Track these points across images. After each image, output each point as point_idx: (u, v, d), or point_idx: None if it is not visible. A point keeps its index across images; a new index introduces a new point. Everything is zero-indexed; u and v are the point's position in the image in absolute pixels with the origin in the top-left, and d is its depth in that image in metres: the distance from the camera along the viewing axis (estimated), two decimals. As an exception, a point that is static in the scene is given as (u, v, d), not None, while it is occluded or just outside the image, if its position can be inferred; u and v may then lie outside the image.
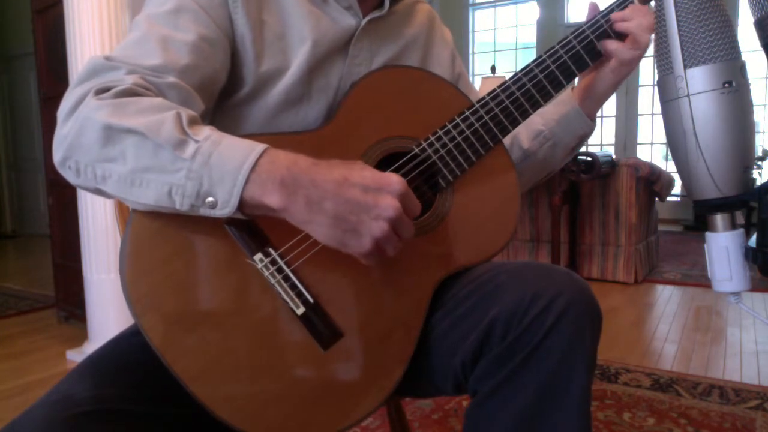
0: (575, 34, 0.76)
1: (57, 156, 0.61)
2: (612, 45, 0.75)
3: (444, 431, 1.57)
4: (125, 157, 0.58)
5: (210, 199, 0.57)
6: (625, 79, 0.79)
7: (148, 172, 0.57)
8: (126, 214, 0.95)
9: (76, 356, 2.23)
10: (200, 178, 0.57)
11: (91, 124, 0.58)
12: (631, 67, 0.77)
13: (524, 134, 0.86)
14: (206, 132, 0.59)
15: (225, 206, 0.57)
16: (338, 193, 0.57)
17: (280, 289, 0.64)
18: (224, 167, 0.57)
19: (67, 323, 2.72)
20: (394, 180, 0.58)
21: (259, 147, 0.58)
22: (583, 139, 0.86)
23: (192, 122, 0.60)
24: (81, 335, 2.38)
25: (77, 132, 0.59)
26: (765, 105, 5.29)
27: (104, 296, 2.15)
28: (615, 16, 0.75)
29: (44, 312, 2.95)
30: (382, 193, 0.57)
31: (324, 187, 0.57)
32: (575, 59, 0.75)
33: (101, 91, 0.60)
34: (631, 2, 0.76)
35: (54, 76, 2.62)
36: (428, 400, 1.73)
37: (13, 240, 6.10)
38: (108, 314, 2.16)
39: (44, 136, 2.75)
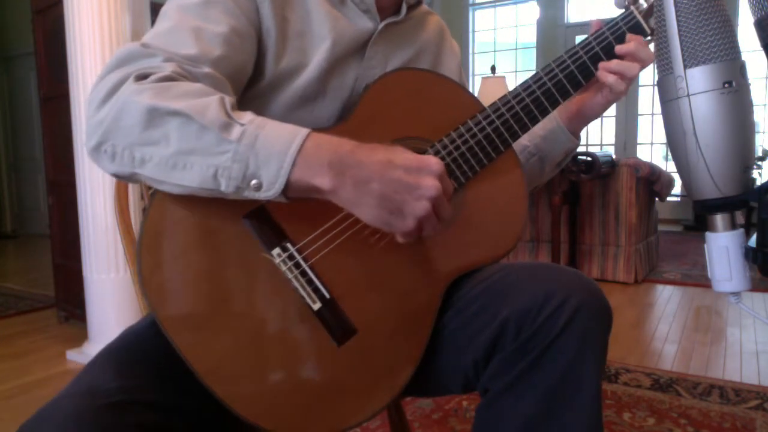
0: (582, 45, 0.78)
1: (92, 141, 0.61)
2: (610, 78, 0.77)
3: (444, 431, 1.57)
4: (168, 139, 0.58)
5: (255, 181, 0.58)
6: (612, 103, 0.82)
7: (193, 154, 0.58)
8: (126, 214, 0.95)
9: (76, 356, 2.23)
10: (246, 160, 0.57)
11: (134, 107, 0.58)
12: (622, 95, 0.79)
13: None
14: (249, 116, 0.60)
15: (270, 188, 0.58)
16: (384, 173, 0.58)
17: (297, 284, 0.64)
18: (270, 150, 0.57)
19: (67, 323, 2.72)
20: (433, 161, 0.59)
21: (304, 131, 0.59)
22: (568, 154, 0.88)
23: (234, 107, 0.61)
24: (81, 335, 2.38)
25: (116, 115, 0.59)
26: (765, 105, 5.29)
27: (104, 296, 2.15)
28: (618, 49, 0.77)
29: (44, 312, 2.95)
30: (423, 173, 0.59)
31: (370, 168, 0.58)
32: (581, 69, 0.77)
33: (141, 77, 0.60)
34: (635, 20, 0.77)
35: (54, 76, 2.62)
36: (428, 400, 1.74)
37: (13, 240, 6.09)
38: (108, 314, 2.16)
39: (44, 136, 2.75)
